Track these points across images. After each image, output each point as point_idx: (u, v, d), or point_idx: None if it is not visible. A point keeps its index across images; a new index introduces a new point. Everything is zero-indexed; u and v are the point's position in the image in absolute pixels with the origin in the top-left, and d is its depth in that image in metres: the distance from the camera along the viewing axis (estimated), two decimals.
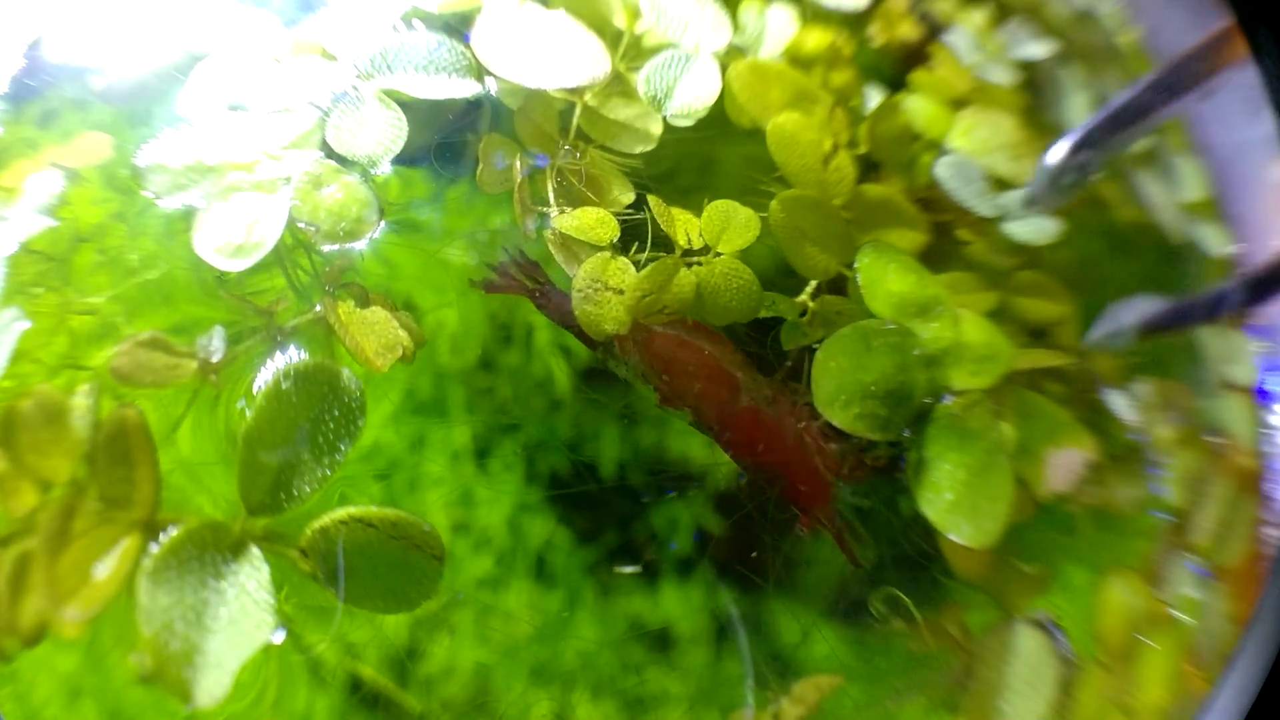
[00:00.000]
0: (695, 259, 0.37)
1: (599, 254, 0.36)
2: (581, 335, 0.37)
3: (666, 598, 0.37)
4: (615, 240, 0.37)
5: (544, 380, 0.38)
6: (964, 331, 0.38)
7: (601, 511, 0.37)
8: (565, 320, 0.37)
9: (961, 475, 0.35)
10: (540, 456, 0.37)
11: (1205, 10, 0.38)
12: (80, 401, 0.34)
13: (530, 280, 0.38)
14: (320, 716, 0.34)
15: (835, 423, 0.36)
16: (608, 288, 0.36)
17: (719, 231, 0.38)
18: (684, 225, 0.37)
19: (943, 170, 0.42)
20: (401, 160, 0.38)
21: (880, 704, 0.37)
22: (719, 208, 0.38)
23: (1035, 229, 0.42)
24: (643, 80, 0.40)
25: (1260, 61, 0.34)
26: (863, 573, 0.37)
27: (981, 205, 0.42)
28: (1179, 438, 0.40)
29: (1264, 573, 0.37)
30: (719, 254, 0.37)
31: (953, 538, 0.35)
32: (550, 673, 0.36)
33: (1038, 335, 0.40)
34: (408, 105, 0.38)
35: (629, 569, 0.37)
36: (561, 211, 0.37)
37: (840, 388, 0.36)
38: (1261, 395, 0.40)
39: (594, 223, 0.37)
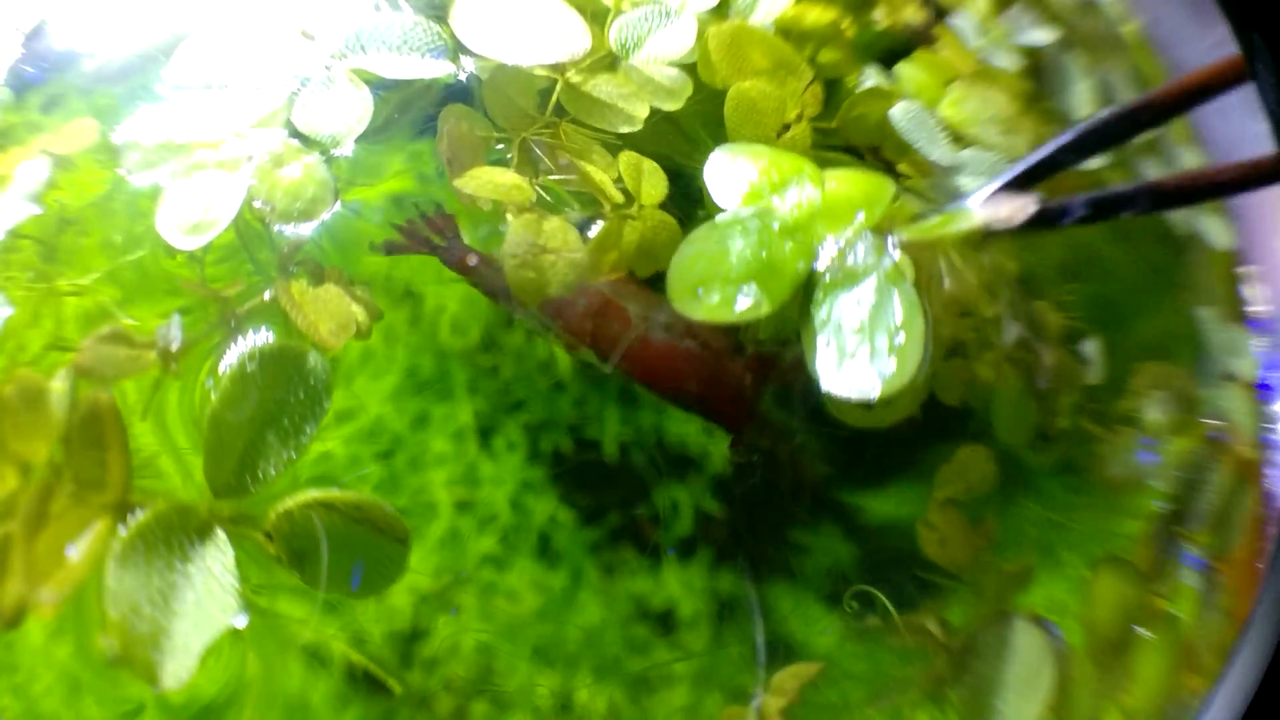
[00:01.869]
0: (626, 213, 0.37)
1: (524, 216, 0.36)
2: (490, 292, 0.36)
3: (669, 578, 0.37)
4: (532, 202, 0.36)
5: (546, 361, 0.38)
6: (836, 190, 0.36)
7: (604, 491, 0.37)
8: (469, 274, 0.37)
9: (854, 321, 0.33)
10: (544, 436, 0.37)
11: (1204, 8, 0.38)
12: (57, 385, 0.34)
13: (438, 236, 0.37)
14: (318, 699, 0.34)
15: (696, 316, 0.34)
16: (546, 250, 0.35)
17: (638, 183, 0.37)
18: (603, 181, 0.37)
19: (898, 114, 0.41)
20: (399, 136, 0.38)
21: (862, 706, 0.36)
22: (629, 159, 0.37)
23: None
24: (615, 29, 0.39)
25: (1253, 67, 0.33)
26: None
27: (934, 152, 0.41)
28: (1176, 422, 0.39)
29: (1263, 567, 0.36)
30: (642, 206, 0.37)
31: (860, 394, 0.33)
32: (554, 652, 0.36)
33: None
34: (406, 85, 0.38)
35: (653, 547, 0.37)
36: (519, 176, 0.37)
37: (695, 280, 0.34)
38: (1263, 389, 0.39)
39: (509, 184, 0.36)
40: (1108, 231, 0.42)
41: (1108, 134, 0.36)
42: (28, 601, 0.33)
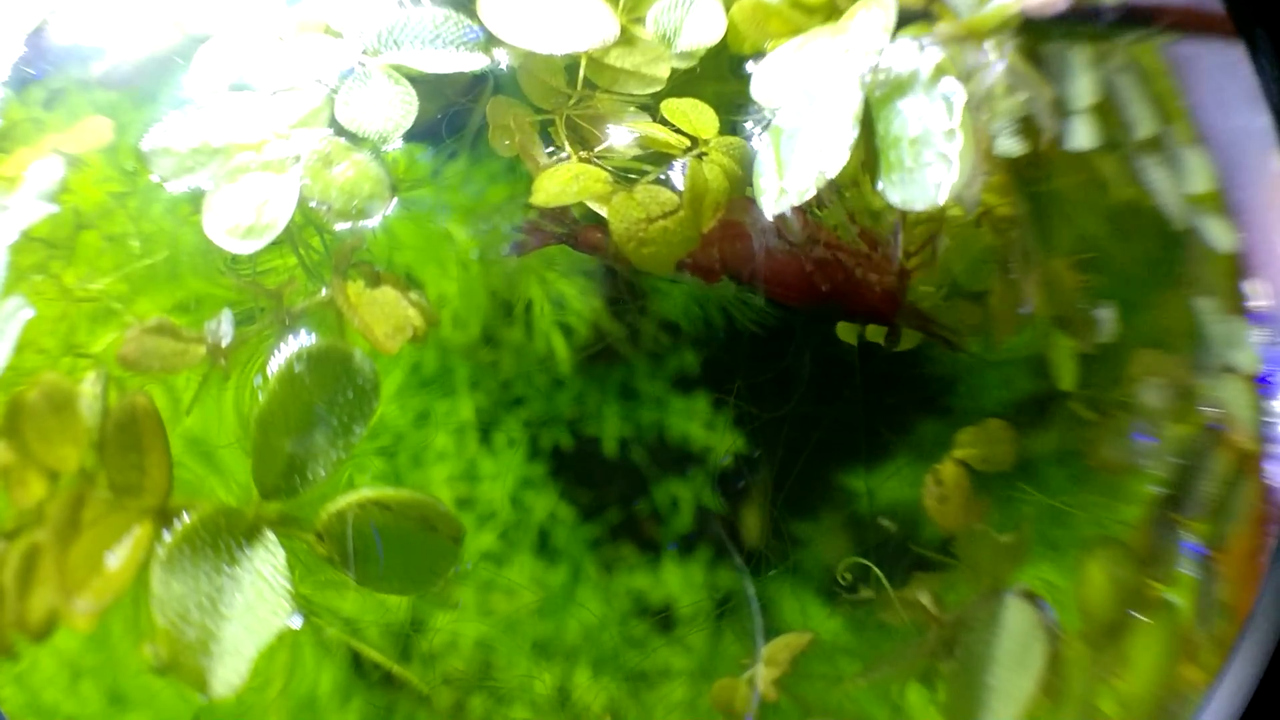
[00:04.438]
0: (699, 152, 0.37)
1: (616, 198, 0.36)
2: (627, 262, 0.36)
3: (669, 574, 0.37)
4: (611, 180, 0.36)
5: (546, 357, 0.38)
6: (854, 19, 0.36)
7: (604, 488, 0.37)
8: (605, 253, 0.37)
9: (908, 131, 0.33)
10: (543, 432, 0.37)
11: (1207, 1, 0.38)
12: (88, 389, 0.33)
13: (559, 226, 0.37)
14: (324, 693, 0.35)
15: (788, 207, 0.34)
16: (652, 220, 0.35)
17: (690, 123, 0.37)
18: (666, 134, 0.37)
19: None
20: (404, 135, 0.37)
21: (853, 679, 0.37)
22: (671, 105, 0.38)
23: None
24: (651, 20, 0.39)
25: (1257, 62, 0.33)
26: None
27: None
28: (1174, 409, 0.39)
29: (1264, 563, 0.37)
30: (707, 140, 0.37)
31: (926, 203, 0.32)
32: (553, 648, 0.36)
33: None
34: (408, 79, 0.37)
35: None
36: (578, 157, 0.37)
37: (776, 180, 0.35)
38: (1263, 383, 0.39)
39: (580, 176, 0.36)
40: (1108, 227, 0.42)
41: None
42: (59, 612, 0.32)
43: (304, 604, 0.33)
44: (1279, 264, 0.39)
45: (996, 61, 0.36)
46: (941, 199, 0.32)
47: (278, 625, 0.31)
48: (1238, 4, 0.34)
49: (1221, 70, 0.39)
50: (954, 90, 0.33)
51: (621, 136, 0.38)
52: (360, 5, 0.38)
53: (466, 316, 0.38)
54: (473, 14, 0.38)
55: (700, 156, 0.37)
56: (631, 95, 0.39)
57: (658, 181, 0.36)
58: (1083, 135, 0.42)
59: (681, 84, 0.39)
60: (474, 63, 0.38)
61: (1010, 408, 0.39)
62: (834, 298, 0.37)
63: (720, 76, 0.40)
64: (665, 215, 0.35)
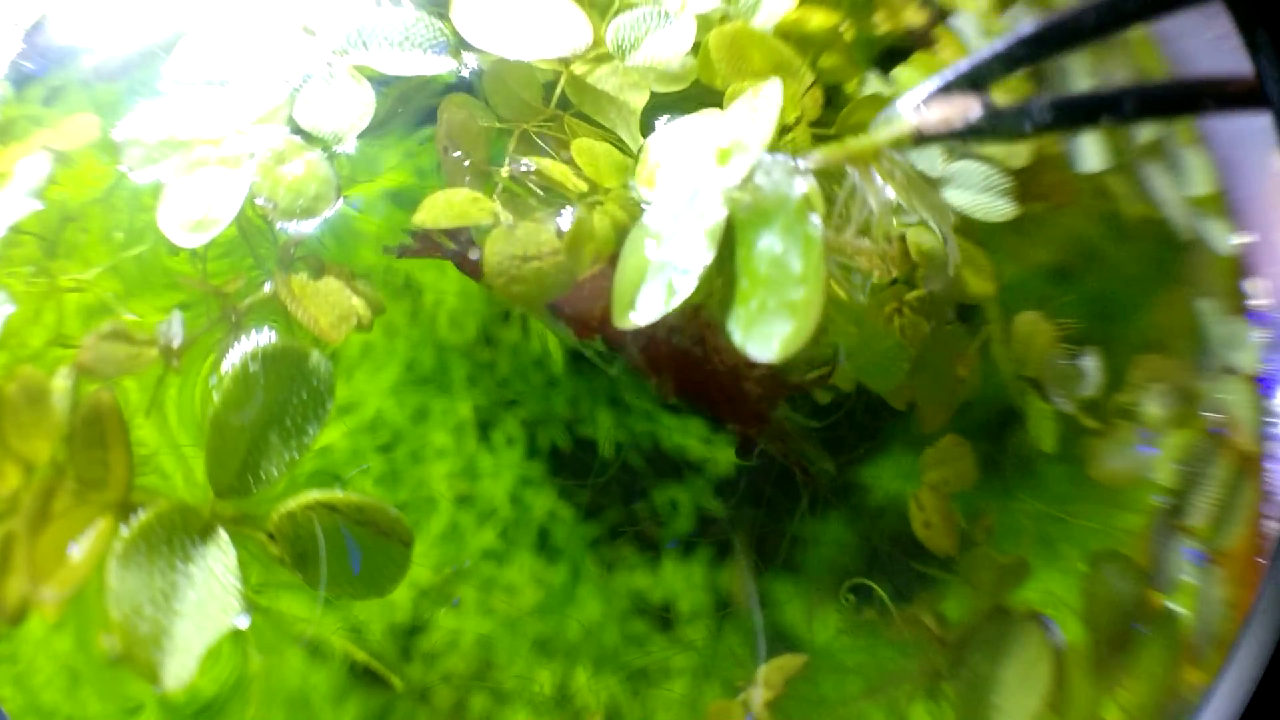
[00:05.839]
0: (593, 200, 0.36)
1: (494, 233, 0.35)
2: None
3: (669, 574, 0.37)
4: (496, 213, 0.36)
5: (540, 358, 0.38)
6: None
7: (603, 490, 0.37)
8: (480, 281, 0.36)
9: (759, 269, 0.29)
10: (541, 431, 0.37)
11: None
12: (60, 383, 0.34)
13: (451, 242, 0.37)
14: (318, 694, 0.35)
15: (639, 324, 0.31)
16: (528, 259, 0.35)
17: (595, 168, 0.37)
18: (562, 174, 0.36)
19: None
20: (398, 130, 0.38)
21: (857, 700, 0.36)
22: (581, 145, 0.37)
23: (976, 202, 0.39)
24: (611, 30, 0.38)
25: (1257, 62, 0.32)
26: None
27: (921, 165, 0.39)
28: (1176, 415, 0.39)
29: (1264, 561, 0.36)
30: (606, 190, 0.36)
31: (764, 355, 0.29)
32: (553, 646, 0.36)
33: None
34: (405, 79, 0.37)
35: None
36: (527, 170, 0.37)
37: (634, 289, 0.32)
38: (1264, 383, 0.39)
39: (466, 202, 0.35)
40: (1109, 230, 0.41)
41: (1083, 26, 0.30)
42: (30, 599, 0.33)
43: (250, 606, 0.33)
44: (1279, 264, 0.38)
45: (884, 187, 0.32)
46: (777, 355, 0.28)
47: (226, 623, 0.31)
48: (1238, 4, 0.32)
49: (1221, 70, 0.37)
50: (813, 233, 0.29)
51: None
52: (336, 5, 0.38)
53: (463, 317, 0.38)
54: (447, 18, 0.38)
55: (594, 204, 0.36)
56: (602, 128, 0.38)
57: (545, 221, 0.36)
58: (1088, 151, 0.41)
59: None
60: (441, 65, 0.37)
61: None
62: (697, 393, 0.36)
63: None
64: (541, 256, 0.35)
